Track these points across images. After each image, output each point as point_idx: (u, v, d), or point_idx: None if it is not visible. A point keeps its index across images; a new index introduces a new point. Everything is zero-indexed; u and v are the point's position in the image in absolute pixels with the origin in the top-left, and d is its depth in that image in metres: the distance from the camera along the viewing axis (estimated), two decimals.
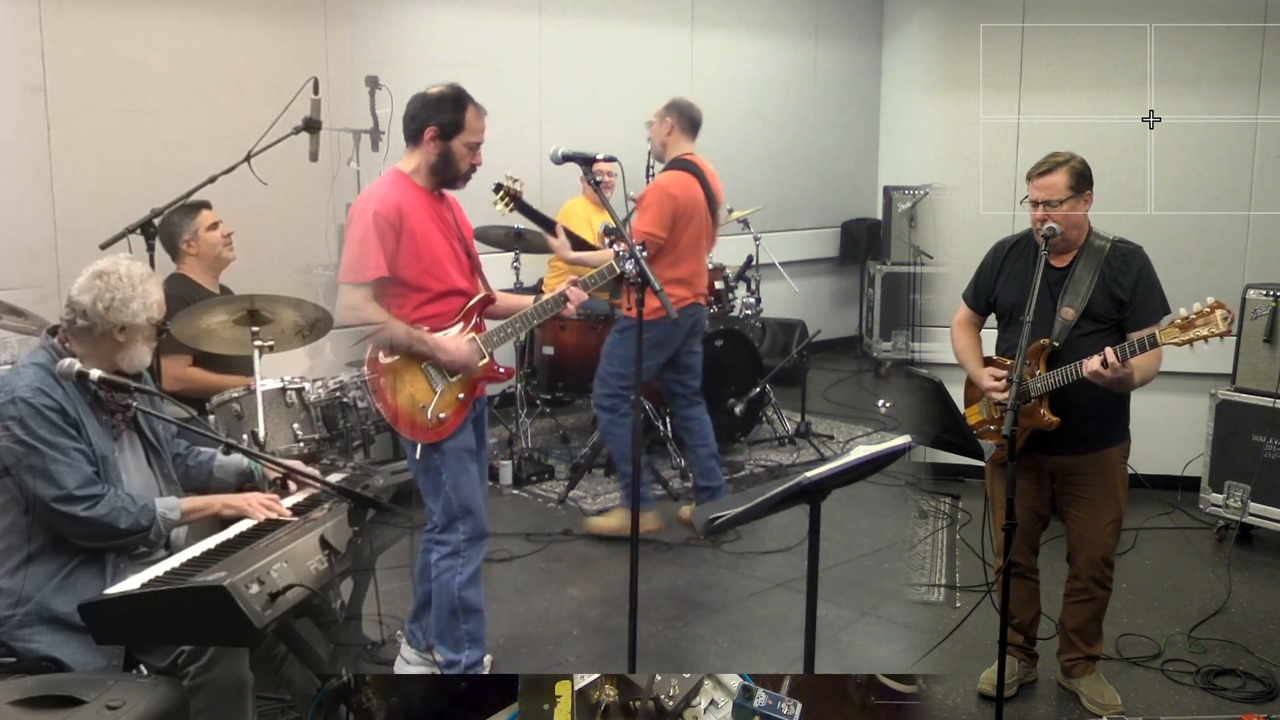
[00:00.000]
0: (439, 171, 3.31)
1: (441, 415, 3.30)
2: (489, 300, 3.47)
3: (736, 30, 7.87)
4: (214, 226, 4.17)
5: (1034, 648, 3.69)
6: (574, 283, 3.49)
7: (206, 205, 4.15)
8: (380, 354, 3.33)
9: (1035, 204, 3.31)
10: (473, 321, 3.40)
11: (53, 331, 2.85)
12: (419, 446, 3.30)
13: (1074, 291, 3.34)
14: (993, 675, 3.40)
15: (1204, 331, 3.02)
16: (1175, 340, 3.06)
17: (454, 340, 3.34)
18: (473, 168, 3.33)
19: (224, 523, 2.83)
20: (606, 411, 4.72)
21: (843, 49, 8.53)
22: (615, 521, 4.78)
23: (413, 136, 3.30)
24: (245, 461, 3.08)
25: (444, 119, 3.25)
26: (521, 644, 3.83)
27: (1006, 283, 3.48)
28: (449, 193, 3.43)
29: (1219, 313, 3.00)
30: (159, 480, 2.93)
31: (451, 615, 3.37)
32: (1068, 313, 3.33)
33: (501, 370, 3.48)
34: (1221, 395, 4.86)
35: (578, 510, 5.10)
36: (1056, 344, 3.33)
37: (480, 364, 3.38)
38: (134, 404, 2.88)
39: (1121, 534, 3.58)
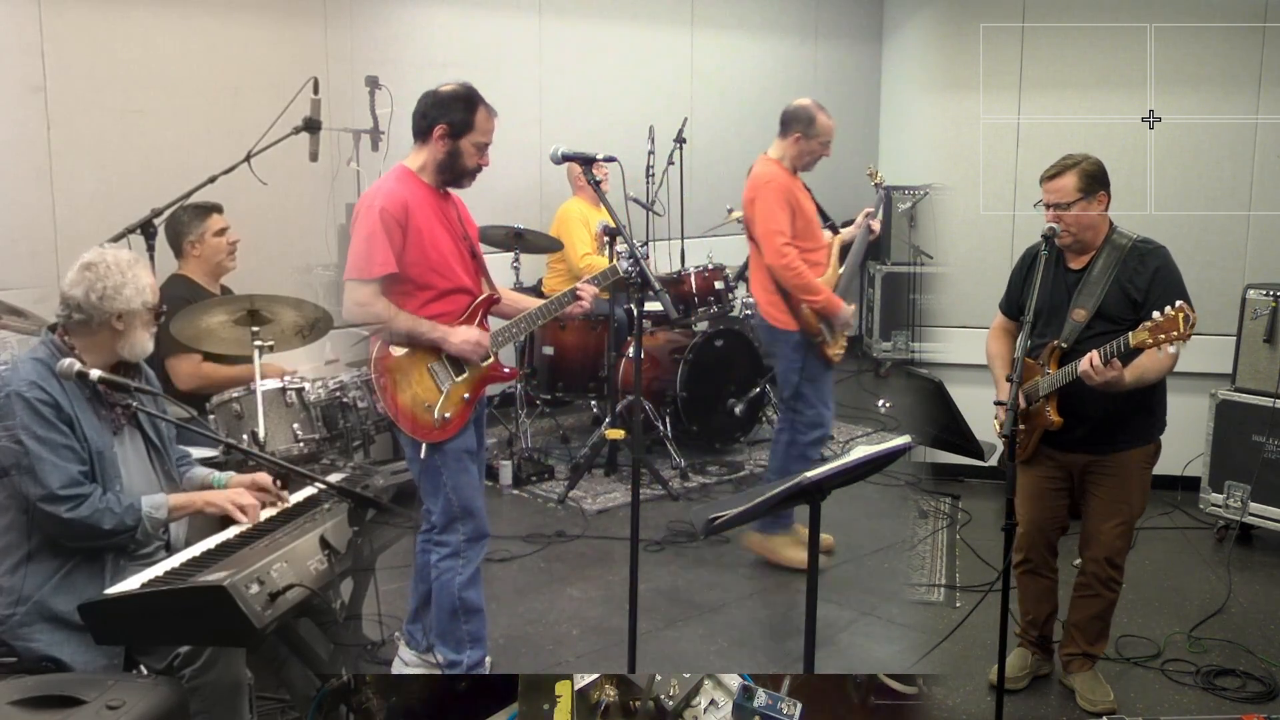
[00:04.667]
0: (446, 170, 3.30)
1: (446, 415, 3.28)
2: (493, 300, 3.46)
3: (736, 30, 7.86)
4: (221, 232, 4.15)
5: (1049, 643, 3.69)
6: (586, 280, 3.47)
7: (218, 209, 4.15)
8: (388, 351, 3.29)
9: (1048, 206, 3.32)
10: (477, 320, 3.39)
11: (53, 328, 2.84)
12: (422, 446, 3.29)
13: (1089, 293, 3.34)
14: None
15: (1172, 335, 3.01)
16: (1146, 343, 3.06)
17: (461, 328, 3.32)
18: (479, 167, 3.33)
19: (224, 522, 2.83)
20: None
21: (843, 49, 8.52)
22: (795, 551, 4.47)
23: (421, 133, 3.29)
24: (212, 475, 3.06)
25: (454, 117, 3.24)
26: (521, 644, 3.82)
27: (1030, 287, 3.48)
28: (454, 192, 3.42)
29: (1180, 316, 3.00)
30: (160, 477, 2.92)
31: (452, 616, 3.37)
32: (1079, 314, 3.33)
33: (507, 370, 3.48)
34: (1221, 395, 4.86)
35: (578, 510, 5.10)
36: (1065, 345, 3.33)
37: (486, 362, 3.37)
38: (134, 403, 2.87)
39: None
